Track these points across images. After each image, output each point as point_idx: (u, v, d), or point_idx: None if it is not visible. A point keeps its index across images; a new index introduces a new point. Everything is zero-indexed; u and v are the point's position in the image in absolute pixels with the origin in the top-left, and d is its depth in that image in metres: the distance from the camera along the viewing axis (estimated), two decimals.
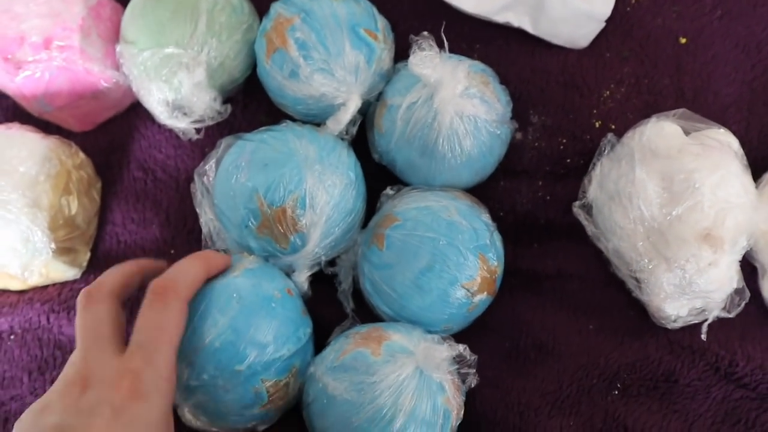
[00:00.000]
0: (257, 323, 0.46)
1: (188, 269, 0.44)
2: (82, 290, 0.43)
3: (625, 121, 0.53)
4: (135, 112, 0.60)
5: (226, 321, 0.45)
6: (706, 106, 0.53)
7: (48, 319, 0.55)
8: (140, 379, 0.38)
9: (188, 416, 0.47)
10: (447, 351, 0.45)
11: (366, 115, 0.55)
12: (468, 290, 0.48)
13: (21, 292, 0.56)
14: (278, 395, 0.47)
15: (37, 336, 0.55)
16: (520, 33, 0.56)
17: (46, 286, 0.56)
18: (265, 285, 0.48)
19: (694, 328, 0.48)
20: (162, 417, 0.39)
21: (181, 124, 0.55)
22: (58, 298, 0.55)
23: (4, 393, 0.54)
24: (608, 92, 0.54)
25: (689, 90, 0.54)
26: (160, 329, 0.41)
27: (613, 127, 0.54)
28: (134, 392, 0.38)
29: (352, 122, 0.53)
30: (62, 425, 0.36)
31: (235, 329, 0.45)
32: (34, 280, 0.55)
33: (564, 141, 0.55)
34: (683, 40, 0.55)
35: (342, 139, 0.53)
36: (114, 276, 0.44)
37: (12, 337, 0.55)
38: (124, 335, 0.42)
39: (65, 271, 0.56)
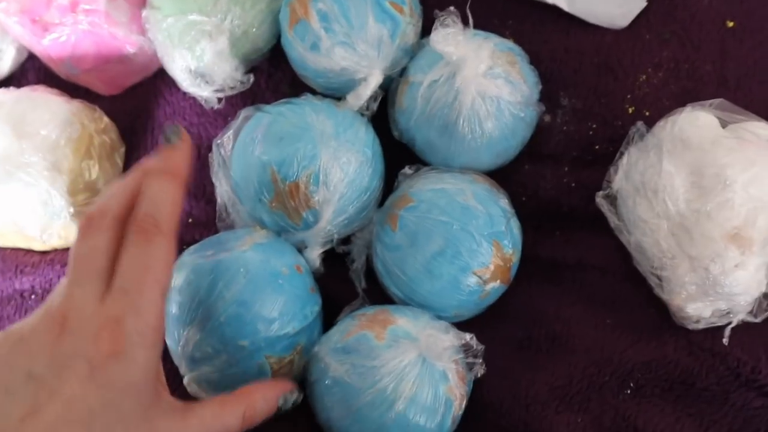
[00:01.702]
0: (263, 299, 0.46)
1: (162, 198, 0.38)
2: (84, 215, 0.38)
3: (661, 107, 0.50)
4: (161, 78, 0.60)
5: (232, 295, 0.45)
6: (750, 95, 0.50)
7: None
8: (122, 329, 0.34)
9: (194, 386, 0.47)
10: (452, 339, 0.44)
11: (388, 90, 0.54)
12: (480, 277, 0.47)
13: (43, 253, 0.57)
14: (282, 372, 0.47)
15: None
16: (556, 10, 0.53)
17: (67, 248, 0.57)
18: (273, 260, 0.47)
19: (716, 331, 0.45)
20: (145, 375, 0.35)
21: (203, 92, 0.55)
22: None
23: None
24: (645, 76, 0.52)
25: (732, 77, 0.50)
26: (145, 269, 0.36)
27: (647, 113, 0.51)
28: (115, 345, 0.34)
29: (373, 98, 0.52)
30: (34, 374, 0.33)
31: (241, 303, 0.45)
32: (54, 242, 0.55)
33: (594, 126, 0.52)
34: (730, 24, 0.51)
35: (362, 114, 0.52)
36: (119, 197, 0.38)
37: (33, 296, 0.56)
38: None
39: None
